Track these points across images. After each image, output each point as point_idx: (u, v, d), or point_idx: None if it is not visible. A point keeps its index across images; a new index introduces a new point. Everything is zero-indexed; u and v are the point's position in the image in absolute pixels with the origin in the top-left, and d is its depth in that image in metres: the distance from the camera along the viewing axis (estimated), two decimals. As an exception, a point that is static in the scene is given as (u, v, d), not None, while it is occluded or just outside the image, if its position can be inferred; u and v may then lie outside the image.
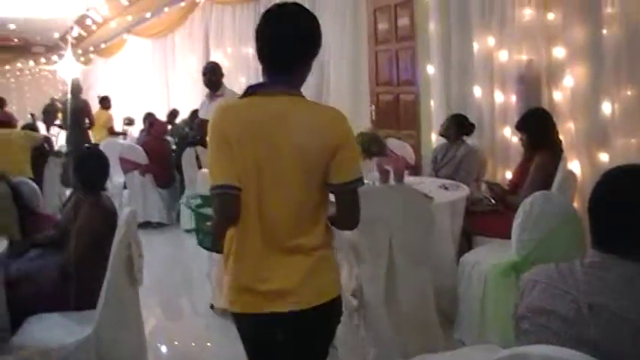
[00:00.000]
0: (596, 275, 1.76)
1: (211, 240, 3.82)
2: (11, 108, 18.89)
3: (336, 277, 2.50)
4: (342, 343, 3.66)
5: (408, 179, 5.02)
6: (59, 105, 11.77)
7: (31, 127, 9.36)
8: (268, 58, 2.38)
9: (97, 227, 3.73)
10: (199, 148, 7.98)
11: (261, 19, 2.38)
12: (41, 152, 7.89)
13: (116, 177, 8.59)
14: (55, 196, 7.79)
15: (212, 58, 10.68)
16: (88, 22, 16.28)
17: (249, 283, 2.35)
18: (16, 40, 21.03)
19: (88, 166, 4.08)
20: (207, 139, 2.37)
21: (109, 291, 3.39)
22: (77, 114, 10.39)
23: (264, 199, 2.30)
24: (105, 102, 13.02)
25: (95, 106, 12.49)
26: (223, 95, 6.56)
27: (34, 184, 5.34)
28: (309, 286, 2.33)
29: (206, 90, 6.84)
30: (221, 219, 2.38)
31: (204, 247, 4.26)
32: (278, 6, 2.41)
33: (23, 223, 4.65)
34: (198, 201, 4.46)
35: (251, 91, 2.37)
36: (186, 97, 13.24)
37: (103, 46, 19.12)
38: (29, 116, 17.25)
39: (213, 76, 6.68)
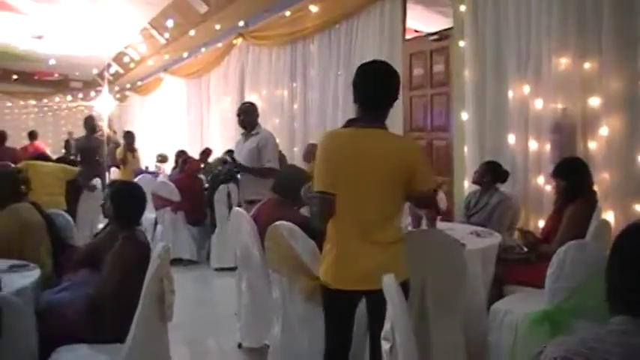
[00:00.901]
0: (631, 344, 1.61)
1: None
2: (47, 141, 19.26)
3: (404, 266, 3.19)
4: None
5: (440, 225, 4.99)
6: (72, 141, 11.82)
7: (67, 160, 9.42)
8: (360, 101, 3.24)
9: (130, 260, 3.73)
10: (232, 186, 8.00)
11: (355, 72, 3.26)
12: (76, 185, 7.97)
13: (148, 213, 8.60)
14: (87, 229, 7.84)
15: (246, 100, 10.58)
16: (126, 59, 16.58)
17: (339, 265, 3.18)
18: (56, 75, 21.36)
19: (126, 199, 4.12)
20: (316, 156, 3.30)
21: (138, 325, 3.36)
22: (90, 151, 10.47)
23: (352, 203, 3.12)
24: (126, 137, 12.77)
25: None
26: (259, 133, 6.60)
27: (68, 217, 5.38)
28: (382, 271, 2.80)
29: (241, 129, 6.83)
30: (320, 214, 3.24)
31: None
32: (369, 63, 3.34)
33: (56, 255, 4.68)
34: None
35: (348, 123, 3.27)
36: (219, 136, 13.35)
37: (139, 83, 19.41)
38: (63, 150, 17.54)
39: (247, 116, 6.69)
